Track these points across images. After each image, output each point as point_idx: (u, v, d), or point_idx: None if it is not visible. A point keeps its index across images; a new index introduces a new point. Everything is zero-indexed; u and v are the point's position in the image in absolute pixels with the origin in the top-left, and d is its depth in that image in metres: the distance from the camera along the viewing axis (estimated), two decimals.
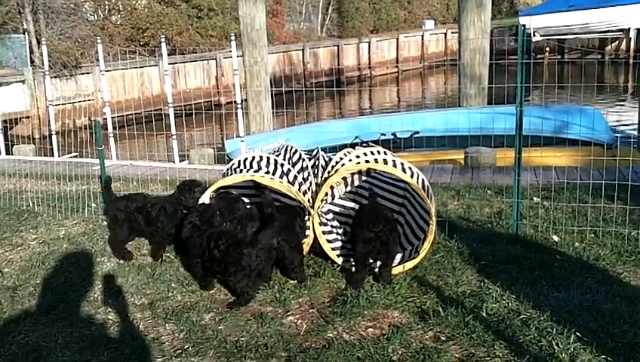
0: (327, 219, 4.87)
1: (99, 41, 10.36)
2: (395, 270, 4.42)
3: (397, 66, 31.85)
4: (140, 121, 10.47)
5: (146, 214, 4.99)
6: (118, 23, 24.71)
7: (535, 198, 6.14)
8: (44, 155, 11.27)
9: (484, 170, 7.97)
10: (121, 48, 20.95)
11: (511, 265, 4.52)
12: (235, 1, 12.07)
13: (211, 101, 20.31)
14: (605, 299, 3.93)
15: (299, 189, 4.62)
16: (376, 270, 4.40)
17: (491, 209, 5.99)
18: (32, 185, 7.69)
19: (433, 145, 10.97)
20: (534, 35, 28.74)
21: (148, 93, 20.64)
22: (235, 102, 9.29)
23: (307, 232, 4.74)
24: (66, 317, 4.06)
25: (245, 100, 11.05)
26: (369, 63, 31.14)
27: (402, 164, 4.54)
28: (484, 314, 3.80)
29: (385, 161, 4.54)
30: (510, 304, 3.93)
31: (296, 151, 5.20)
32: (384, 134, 11.13)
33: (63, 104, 17.01)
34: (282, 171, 4.72)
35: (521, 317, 3.75)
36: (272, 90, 11.61)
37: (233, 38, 9.36)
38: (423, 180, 4.53)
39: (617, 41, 29.99)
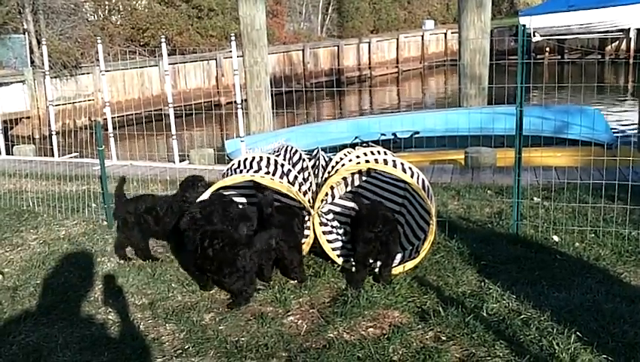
0: (328, 220, 4.87)
1: (99, 41, 10.35)
2: (396, 270, 4.42)
3: (397, 66, 31.88)
4: (140, 121, 10.44)
5: (155, 215, 4.96)
6: (118, 23, 24.70)
7: (535, 198, 6.14)
8: (45, 155, 11.25)
9: (484, 170, 7.97)
10: (122, 48, 20.94)
11: (511, 265, 4.52)
12: (235, 1, 12.09)
13: (211, 101, 20.27)
14: (606, 299, 3.93)
15: (299, 189, 4.62)
16: (377, 270, 4.40)
17: (491, 209, 5.99)
18: (32, 186, 7.69)
19: (433, 146, 10.96)
20: (534, 35, 28.71)
21: (148, 93, 20.63)
22: (235, 102, 9.27)
23: (307, 232, 4.74)
24: (66, 317, 4.06)
25: (245, 100, 11.06)
26: (369, 63, 31.10)
27: (402, 164, 4.54)
28: (484, 314, 3.80)
29: (385, 161, 4.54)
30: (510, 304, 3.93)
31: (296, 151, 5.20)
32: (384, 134, 11.14)
33: (63, 104, 16.96)
34: (282, 171, 4.72)
35: (522, 317, 3.75)
36: (272, 90, 11.62)
37: (233, 38, 9.35)
38: (423, 180, 4.53)
39: (617, 41, 29.96)
